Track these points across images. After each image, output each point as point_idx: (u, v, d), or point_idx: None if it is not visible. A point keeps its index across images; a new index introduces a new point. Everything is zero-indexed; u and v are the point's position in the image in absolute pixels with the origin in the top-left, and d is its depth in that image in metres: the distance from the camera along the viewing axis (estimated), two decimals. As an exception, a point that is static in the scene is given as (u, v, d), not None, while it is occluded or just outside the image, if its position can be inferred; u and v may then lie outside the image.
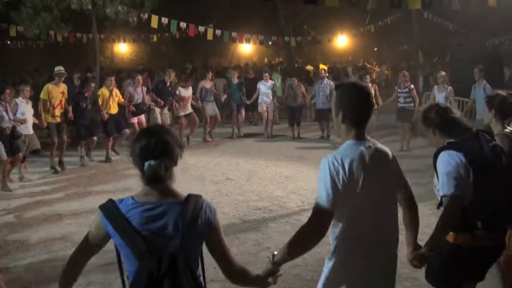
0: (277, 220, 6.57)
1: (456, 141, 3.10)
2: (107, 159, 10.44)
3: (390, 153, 2.61)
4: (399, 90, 10.95)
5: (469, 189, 2.94)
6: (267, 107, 13.11)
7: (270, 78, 13.88)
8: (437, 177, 3.08)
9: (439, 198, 3.06)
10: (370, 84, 11.58)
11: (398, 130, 11.25)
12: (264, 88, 13.13)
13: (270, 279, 2.47)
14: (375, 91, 11.53)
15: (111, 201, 2.17)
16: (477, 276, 3.27)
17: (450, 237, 3.10)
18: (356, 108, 2.51)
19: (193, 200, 2.15)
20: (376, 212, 2.48)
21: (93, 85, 10.51)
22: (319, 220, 2.39)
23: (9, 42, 23.91)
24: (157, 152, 2.13)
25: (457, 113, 3.23)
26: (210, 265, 2.39)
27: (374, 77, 22.51)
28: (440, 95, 10.38)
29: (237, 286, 2.51)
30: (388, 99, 11.61)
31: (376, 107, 11.60)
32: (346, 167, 2.37)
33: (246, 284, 2.42)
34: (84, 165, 10.11)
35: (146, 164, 2.10)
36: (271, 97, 13.12)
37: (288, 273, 4.85)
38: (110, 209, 2.12)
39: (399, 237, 2.63)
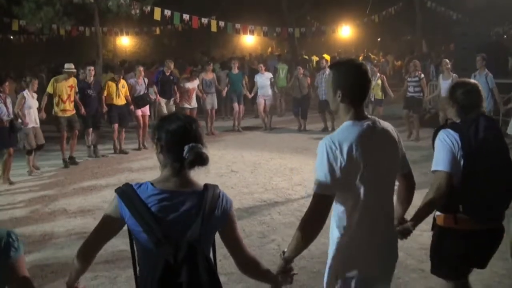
0: (282, 212, 6.56)
1: (457, 123, 3.16)
2: (122, 151, 10.56)
3: (392, 129, 2.54)
4: (409, 79, 10.89)
5: (459, 169, 2.98)
6: (265, 100, 12.97)
7: (273, 69, 13.78)
8: None
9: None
10: (378, 75, 11.55)
11: (403, 119, 11.14)
12: (261, 80, 12.94)
13: (282, 277, 2.43)
14: (382, 81, 11.47)
15: (128, 185, 2.10)
16: (477, 262, 3.28)
17: (439, 219, 3.19)
18: (355, 85, 2.45)
19: (211, 190, 2.16)
20: (379, 191, 2.44)
21: (92, 69, 10.33)
22: (320, 206, 2.34)
23: (11, 37, 23.87)
24: (197, 135, 2.11)
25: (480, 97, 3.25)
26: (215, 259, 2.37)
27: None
28: (445, 83, 10.28)
29: (246, 277, 2.49)
30: (401, 89, 11.57)
31: (383, 98, 11.53)
32: (344, 151, 2.30)
33: (257, 276, 2.41)
34: (98, 156, 10.20)
35: (188, 147, 2.04)
36: (269, 90, 12.95)
37: (294, 265, 4.83)
38: (127, 194, 2.06)
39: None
